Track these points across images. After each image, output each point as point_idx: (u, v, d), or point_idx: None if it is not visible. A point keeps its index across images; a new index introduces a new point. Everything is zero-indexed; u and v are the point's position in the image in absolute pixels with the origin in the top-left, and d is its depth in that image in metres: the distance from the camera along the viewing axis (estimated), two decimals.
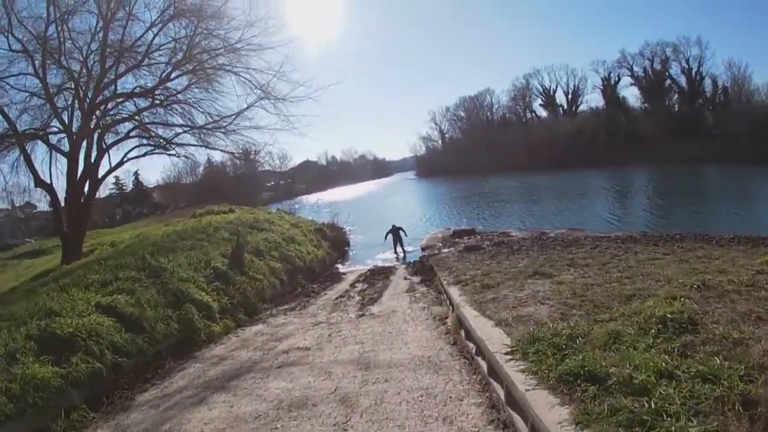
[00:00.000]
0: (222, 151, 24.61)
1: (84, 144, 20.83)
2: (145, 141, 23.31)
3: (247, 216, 23.24)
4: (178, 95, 22.48)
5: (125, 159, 23.43)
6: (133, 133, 22.95)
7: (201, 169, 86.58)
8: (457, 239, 22.34)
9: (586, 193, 43.53)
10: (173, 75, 21.52)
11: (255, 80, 21.59)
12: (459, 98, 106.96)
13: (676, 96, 77.63)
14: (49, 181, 21.22)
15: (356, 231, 30.41)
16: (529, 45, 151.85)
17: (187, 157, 24.91)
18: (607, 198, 40.01)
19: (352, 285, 15.58)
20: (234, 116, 22.21)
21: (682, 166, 53.10)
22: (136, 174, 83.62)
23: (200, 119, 22.53)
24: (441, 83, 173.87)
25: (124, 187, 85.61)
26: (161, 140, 23.18)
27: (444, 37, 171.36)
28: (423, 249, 22.32)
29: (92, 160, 21.11)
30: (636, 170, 55.52)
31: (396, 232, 23.44)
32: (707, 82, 74.78)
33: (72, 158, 20.71)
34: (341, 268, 21.75)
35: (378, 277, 16.76)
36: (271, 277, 14.96)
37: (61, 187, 21.28)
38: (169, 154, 23.85)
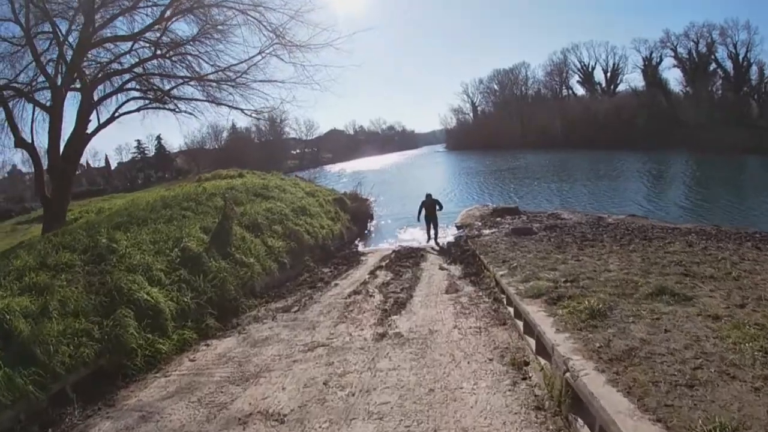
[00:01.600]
0: (231, 107, 20.63)
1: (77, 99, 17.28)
2: (138, 94, 19.63)
3: (255, 181, 19.60)
4: (186, 46, 18.68)
5: (116, 114, 19.71)
6: (127, 86, 19.27)
7: (225, 134, 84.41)
8: (498, 218, 18.51)
9: (622, 175, 39.02)
10: (167, 13, 17.56)
11: (266, 21, 17.55)
12: (493, 71, 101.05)
13: (720, 81, 70.81)
14: (30, 141, 17.72)
15: (381, 203, 26.39)
16: (568, 19, 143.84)
17: (191, 114, 21.09)
18: (646, 182, 35.41)
19: (373, 272, 11.76)
20: (240, 63, 18.31)
21: (724, 154, 48.16)
22: (158, 138, 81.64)
23: (207, 71, 18.81)
24: (474, 56, 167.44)
25: (147, 152, 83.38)
26: (159, 92, 19.45)
27: (479, 8, 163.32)
28: (458, 227, 18.53)
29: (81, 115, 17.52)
30: (675, 155, 50.58)
31: (431, 206, 17.33)
32: (753, 69, 68.03)
33: (55, 114, 17.11)
34: (361, 246, 17.94)
35: (405, 262, 12.92)
36: (267, 260, 11.18)
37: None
38: (169, 109, 20.08)
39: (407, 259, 13.48)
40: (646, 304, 5.68)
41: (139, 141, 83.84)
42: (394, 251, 15.16)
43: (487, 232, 15.58)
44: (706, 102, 66.25)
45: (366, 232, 21.14)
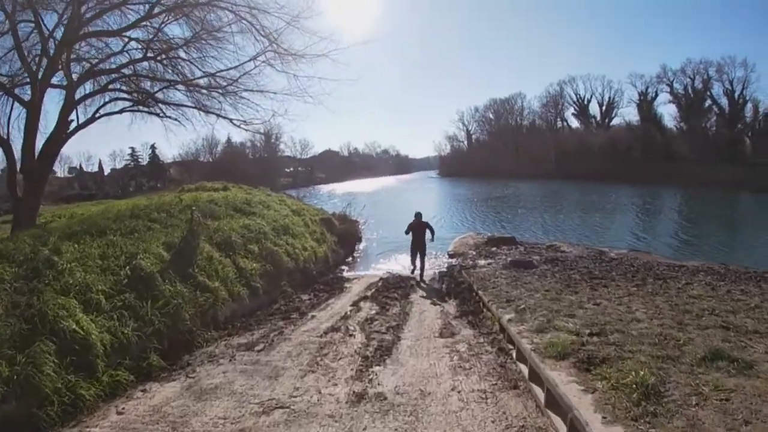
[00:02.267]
0: (219, 116, 19.25)
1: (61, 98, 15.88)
2: (122, 95, 18.25)
3: (239, 196, 18.20)
4: (178, 51, 17.41)
5: (97, 114, 18.31)
6: (112, 86, 17.90)
7: (219, 148, 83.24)
8: (493, 248, 17.30)
9: (616, 209, 38.29)
10: (156, 9, 16.28)
11: (260, 25, 16.32)
12: (489, 100, 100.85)
13: (715, 118, 70.91)
14: (5, 137, 16.25)
15: (372, 226, 24.93)
16: (566, 53, 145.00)
17: (177, 120, 19.70)
18: (640, 216, 34.73)
19: (356, 304, 10.30)
20: (230, 69, 17.03)
21: (716, 190, 48.06)
22: (152, 147, 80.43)
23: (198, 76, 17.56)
24: (471, 84, 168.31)
25: (140, 160, 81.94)
26: (143, 95, 18.09)
27: (477, 39, 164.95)
28: (451, 256, 17.25)
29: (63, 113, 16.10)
30: (668, 190, 50.49)
31: (420, 230, 13.95)
32: (748, 106, 68.32)
33: (34, 109, 15.66)
34: (347, 271, 16.46)
35: (394, 293, 11.49)
36: (236, 285, 9.67)
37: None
38: (153, 113, 18.70)
39: (396, 289, 12.05)
40: (703, 374, 4.35)
41: (133, 148, 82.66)
42: (381, 279, 13.73)
43: (482, 263, 14.28)
44: (700, 138, 66.10)
45: (353, 255, 19.68)
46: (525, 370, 5.35)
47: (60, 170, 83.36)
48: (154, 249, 8.95)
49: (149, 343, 6.68)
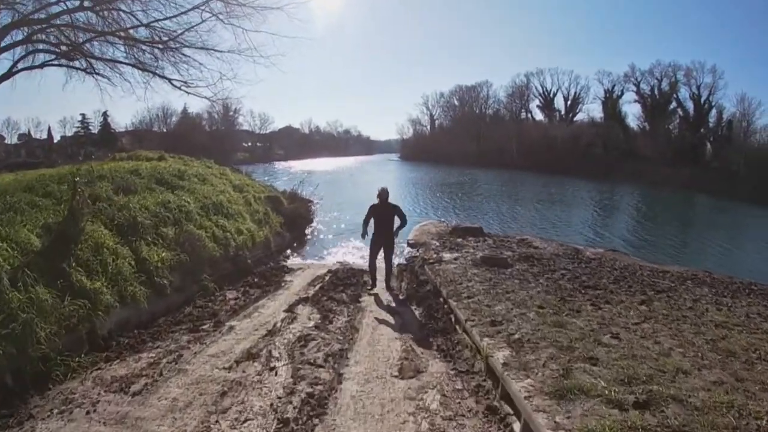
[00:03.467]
0: (156, 74, 16.37)
1: None
2: (46, 47, 15.10)
3: (175, 167, 15.40)
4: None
5: (15, 69, 15.18)
6: (36, 37, 14.74)
7: (175, 119, 78.66)
8: (459, 239, 15.16)
9: (575, 202, 37.01)
10: None
11: None
12: (455, 86, 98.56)
13: (678, 120, 70.61)
14: None
15: (325, 207, 22.43)
16: (536, 47, 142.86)
17: (108, 78, 16.56)
18: (600, 211, 33.38)
19: (291, 309, 7.92)
20: (168, 19, 14.18)
21: (676, 191, 47.80)
22: (104, 115, 75.11)
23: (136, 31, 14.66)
24: (437, 71, 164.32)
25: (91, 128, 76.28)
26: (69, 47, 14.98)
27: (447, 28, 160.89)
28: (411, 245, 15.03)
29: None
30: (627, 187, 49.71)
31: (387, 216, 10.14)
32: (713, 112, 68.11)
33: None
34: (292, 259, 14.04)
35: (342, 293, 9.18)
36: (131, 283, 7.11)
37: None
38: (79, 68, 15.57)
39: (345, 287, 9.75)
40: None
41: (83, 115, 76.65)
42: (330, 271, 11.41)
43: (448, 256, 12.08)
44: (662, 138, 65.70)
45: (305, 239, 17.24)
46: None
47: (9, 137, 77.45)
48: (22, 236, 6.31)
49: None
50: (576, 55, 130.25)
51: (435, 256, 12.30)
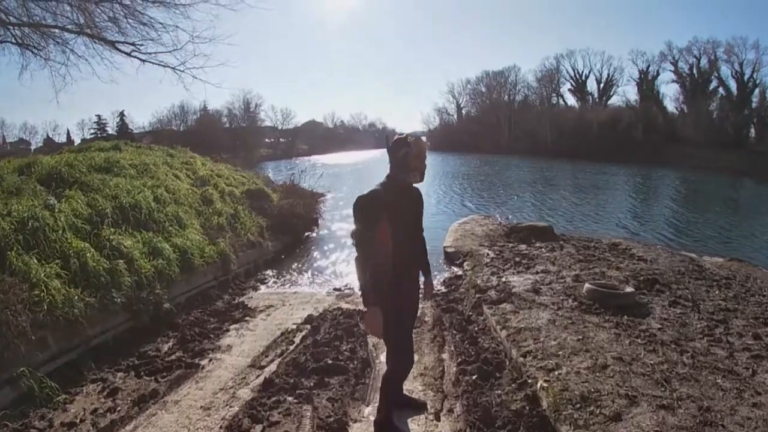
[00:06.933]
0: (94, 37, 11.87)
1: None
2: None
3: (127, 157, 10.68)
4: None
5: None
6: None
7: (195, 116, 74.85)
8: (522, 245, 10.38)
9: (627, 191, 30.99)
10: None
11: None
12: (482, 72, 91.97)
13: (719, 101, 63.19)
14: None
15: (337, 204, 17.25)
16: (565, 22, 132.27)
17: (41, 55, 12.17)
18: (648, 201, 27.00)
19: None
20: None
21: (724, 175, 40.85)
22: (121, 115, 72.08)
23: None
24: (463, 57, 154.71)
25: (108, 129, 73.01)
26: None
27: (473, 9, 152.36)
28: (450, 256, 9.88)
29: None
30: (673, 173, 43.13)
31: (415, 215, 3.71)
32: (756, 91, 60.58)
33: None
34: (263, 287, 8.83)
35: (312, 391, 4.11)
36: None
37: None
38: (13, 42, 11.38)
39: (325, 373, 4.72)
40: None
41: (99, 116, 73.54)
42: (312, 318, 6.45)
43: (518, 283, 6.93)
44: (704, 120, 58.66)
45: (296, 250, 12.12)
46: None
47: (34, 142, 75.59)
48: None
49: None
50: (607, 34, 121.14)
51: (494, 281, 7.16)
